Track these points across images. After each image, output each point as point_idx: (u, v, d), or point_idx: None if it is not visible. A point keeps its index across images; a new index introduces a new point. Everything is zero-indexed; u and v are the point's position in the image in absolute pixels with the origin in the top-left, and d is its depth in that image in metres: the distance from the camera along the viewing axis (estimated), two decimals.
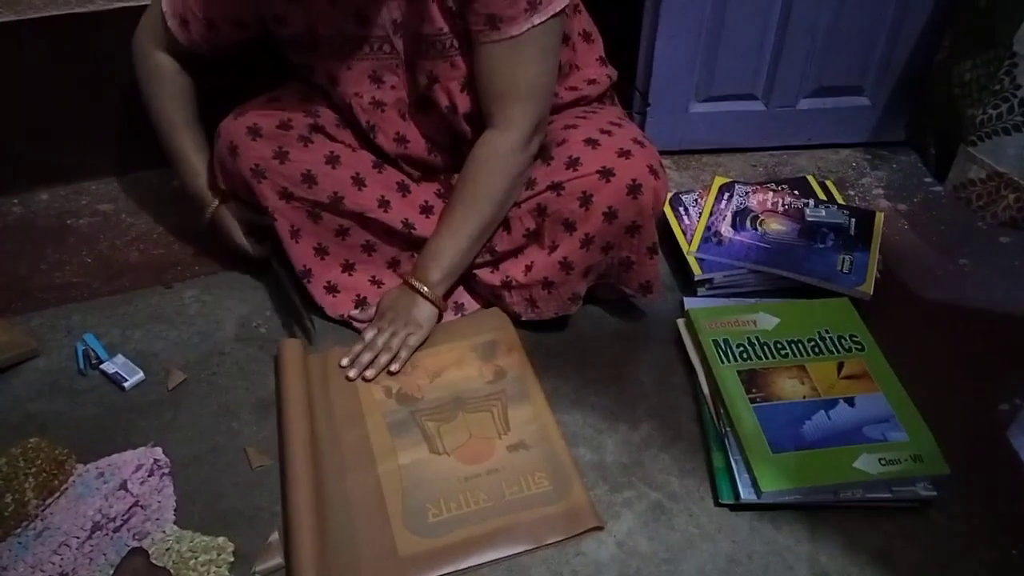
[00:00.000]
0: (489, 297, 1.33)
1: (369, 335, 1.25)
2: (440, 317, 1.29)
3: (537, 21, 1.12)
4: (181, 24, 1.24)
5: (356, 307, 1.32)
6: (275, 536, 1.03)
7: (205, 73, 1.32)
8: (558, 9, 1.13)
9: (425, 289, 1.24)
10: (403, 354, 1.23)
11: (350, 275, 1.32)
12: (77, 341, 1.28)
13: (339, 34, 1.20)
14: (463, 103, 1.22)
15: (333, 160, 1.26)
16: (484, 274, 1.30)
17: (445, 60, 1.19)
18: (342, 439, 1.14)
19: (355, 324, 1.31)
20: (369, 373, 1.21)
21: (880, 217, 1.46)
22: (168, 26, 1.24)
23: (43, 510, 1.06)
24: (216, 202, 1.34)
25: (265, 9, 1.20)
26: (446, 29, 1.16)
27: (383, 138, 1.28)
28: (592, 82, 1.33)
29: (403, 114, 1.27)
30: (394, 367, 1.22)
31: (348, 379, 1.21)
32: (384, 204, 1.28)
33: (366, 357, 1.22)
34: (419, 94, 1.25)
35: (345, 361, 1.23)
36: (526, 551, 1.02)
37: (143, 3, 1.42)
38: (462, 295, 1.34)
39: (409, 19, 1.17)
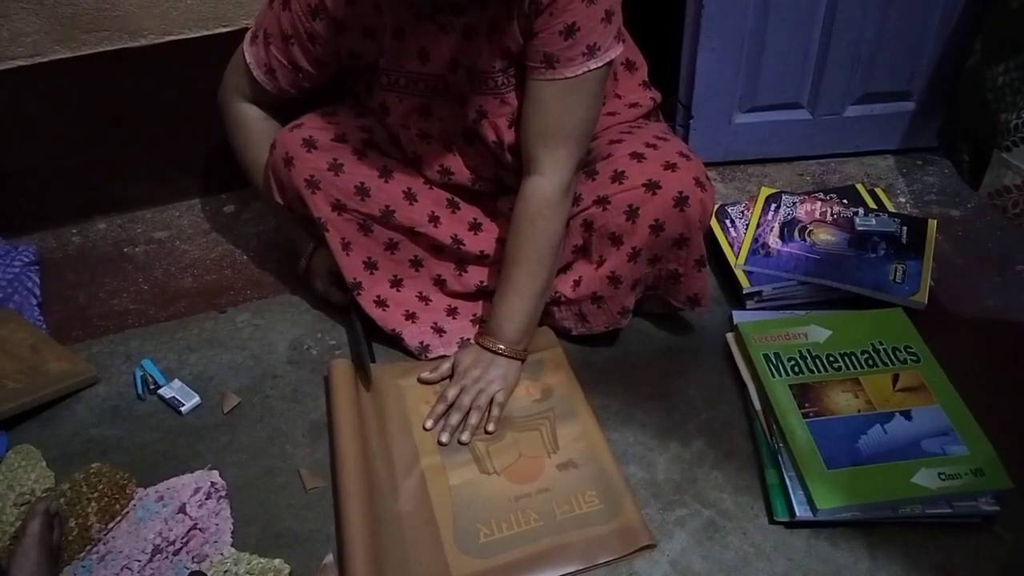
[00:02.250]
0: None
1: (452, 393, 1.21)
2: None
3: (593, 66, 1.12)
4: (268, 74, 1.27)
5: (407, 319, 1.32)
6: (330, 558, 1.05)
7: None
8: (613, 57, 1.14)
9: (502, 347, 1.22)
10: (495, 412, 1.19)
11: (398, 291, 1.34)
12: (135, 367, 1.31)
13: (398, 68, 1.22)
14: (509, 138, 1.23)
15: (386, 174, 1.28)
16: None
17: (496, 96, 1.20)
18: (394, 458, 1.15)
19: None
20: (464, 437, 1.17)
21: (933, 224, 1.43)
22: (255, 77, 1.28)
23: (105, 534, 1.09)
24: (312, 245, 1.36)
25: (343, 45, 1.23)
26: (501, 67, 1.17)
27: (427, 169, 1.30)
28: (634, 105, 1.33)
29: (449, 146, 1.28)
30: (490, 427, 1.18)
31: (440, 443, 1.17)
32: (434, 219, 1.30)
33: (455, 418, 1.18)
34: (467, 128, 1.26)
35: (429, 423, 1.19)
36: (578, 571, 1.02)
37: (191, 36, 1.47)
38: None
39: (467, 56, 1.18)
